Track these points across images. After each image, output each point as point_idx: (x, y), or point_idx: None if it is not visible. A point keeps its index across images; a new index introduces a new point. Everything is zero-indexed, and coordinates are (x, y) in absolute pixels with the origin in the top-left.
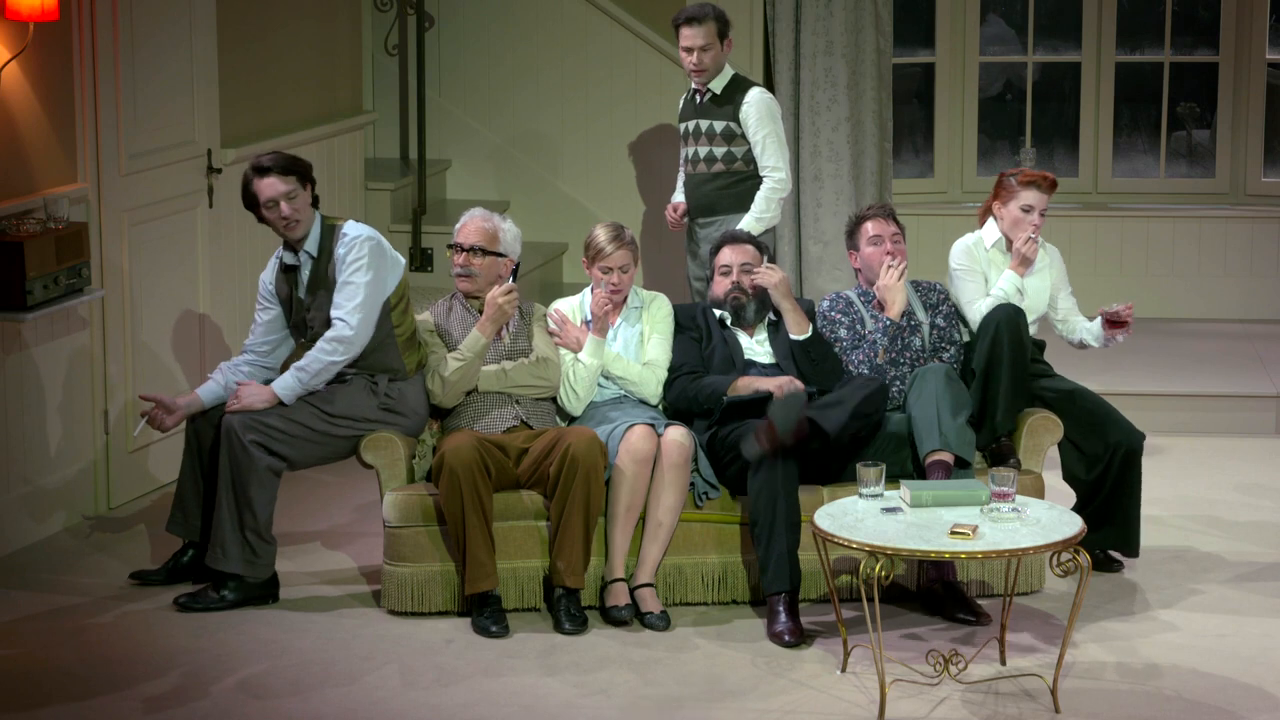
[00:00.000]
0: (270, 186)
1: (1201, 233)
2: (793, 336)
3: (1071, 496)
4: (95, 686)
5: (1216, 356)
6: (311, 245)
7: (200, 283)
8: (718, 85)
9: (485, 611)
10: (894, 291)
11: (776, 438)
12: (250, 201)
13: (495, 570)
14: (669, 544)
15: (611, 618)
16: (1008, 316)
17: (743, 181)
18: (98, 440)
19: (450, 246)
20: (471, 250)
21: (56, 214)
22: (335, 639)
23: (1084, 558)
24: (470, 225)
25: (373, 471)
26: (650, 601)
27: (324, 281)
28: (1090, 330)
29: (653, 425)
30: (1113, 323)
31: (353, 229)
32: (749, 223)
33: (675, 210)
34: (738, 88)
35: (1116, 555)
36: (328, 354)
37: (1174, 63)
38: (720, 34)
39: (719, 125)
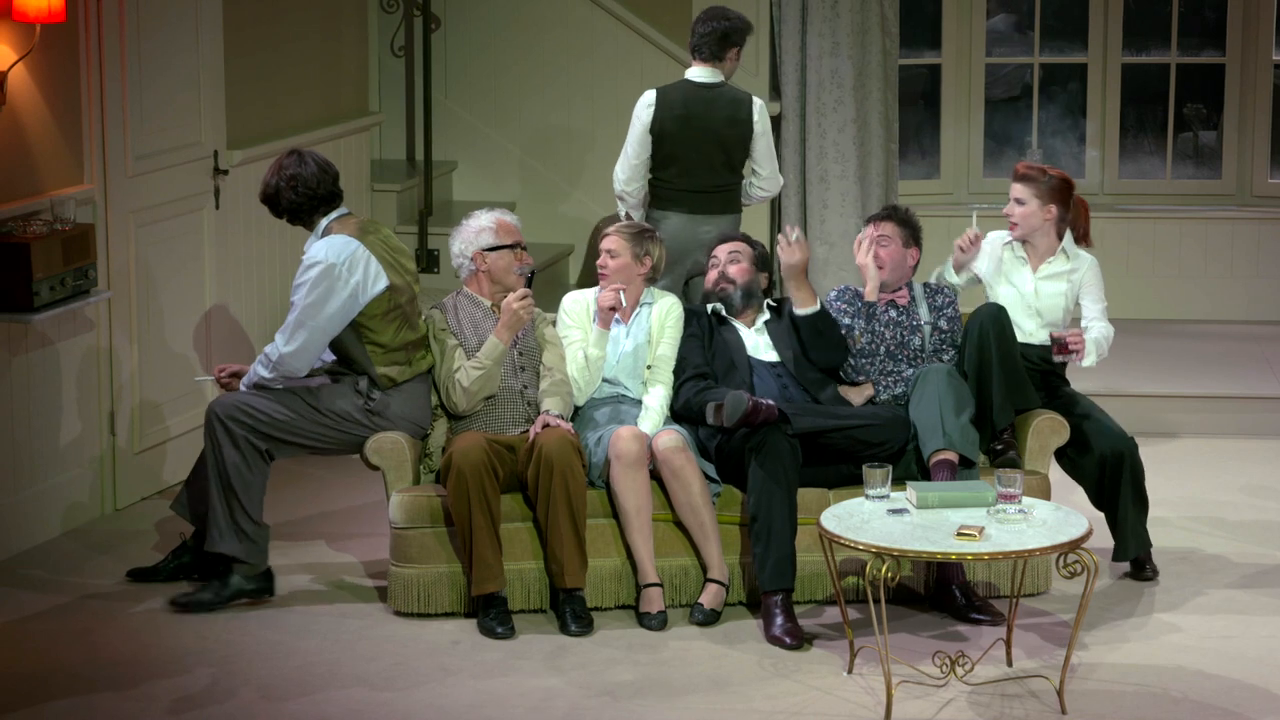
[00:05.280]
0: None
1: (1208, 234)
2: (798, 312)
3: (1077, 501)
4: (100, 687)
5: (1222, 357)
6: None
7: (207, 284)
8: None
9: (491, 613)
10: (866, 269)
11: (722, 420)
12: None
13: (502, 571)
14: (719, 535)
15: (642, 625)
16: (990, 315)
17: None
18: (104, 441)
19: (499, 248)
20: (525, 248)
21: (63, 215)
22: (341, 640)
23: (1090, 559)
24: (508, 223)
25: (379, 473)
26: (713, 596)
27: None
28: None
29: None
30: (1060, 347)
31: (314, 249)
32: None
33: None
34: None
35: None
36: (262, 367)
37: (1180, 64)
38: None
39: None
